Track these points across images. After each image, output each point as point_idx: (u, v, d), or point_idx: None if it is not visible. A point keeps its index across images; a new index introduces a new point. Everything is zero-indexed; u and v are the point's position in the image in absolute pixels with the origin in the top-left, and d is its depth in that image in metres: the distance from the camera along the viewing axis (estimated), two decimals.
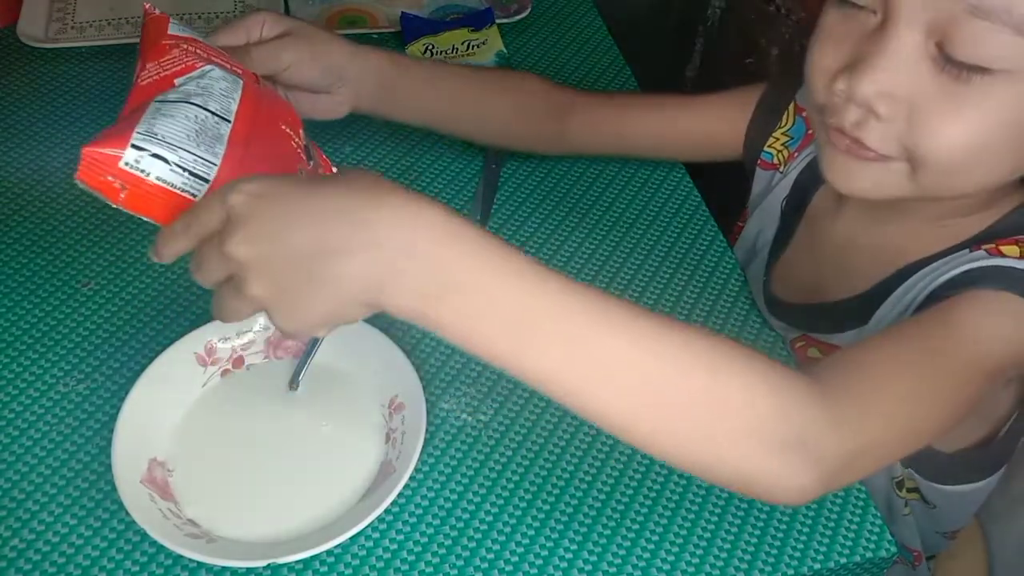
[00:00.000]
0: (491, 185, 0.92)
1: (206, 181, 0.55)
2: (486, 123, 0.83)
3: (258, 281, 0.48)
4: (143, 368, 0.69)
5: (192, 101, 0.57)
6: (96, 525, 0.64)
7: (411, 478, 0.63)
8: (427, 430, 0.66)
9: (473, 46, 1.06)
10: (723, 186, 0.92)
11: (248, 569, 0.62)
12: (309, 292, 0.48)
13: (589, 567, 0.65)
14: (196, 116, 0.56)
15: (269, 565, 0.62)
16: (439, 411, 0.73)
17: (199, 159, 0.54)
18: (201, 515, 0.64)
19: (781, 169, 0.81)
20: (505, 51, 1.07)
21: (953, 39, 0.55)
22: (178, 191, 0.54)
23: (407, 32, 1.07)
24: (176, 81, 0.59)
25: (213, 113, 0.57)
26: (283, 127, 0.63)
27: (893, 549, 0.67)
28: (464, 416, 0.73)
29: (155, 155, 0.53)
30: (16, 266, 0.80)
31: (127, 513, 0.61)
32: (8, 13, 1.04)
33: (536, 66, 1.08)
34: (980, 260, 0.61)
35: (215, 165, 0.55)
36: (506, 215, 0.90)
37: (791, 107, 0.82)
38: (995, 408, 0.73)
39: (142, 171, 0.53)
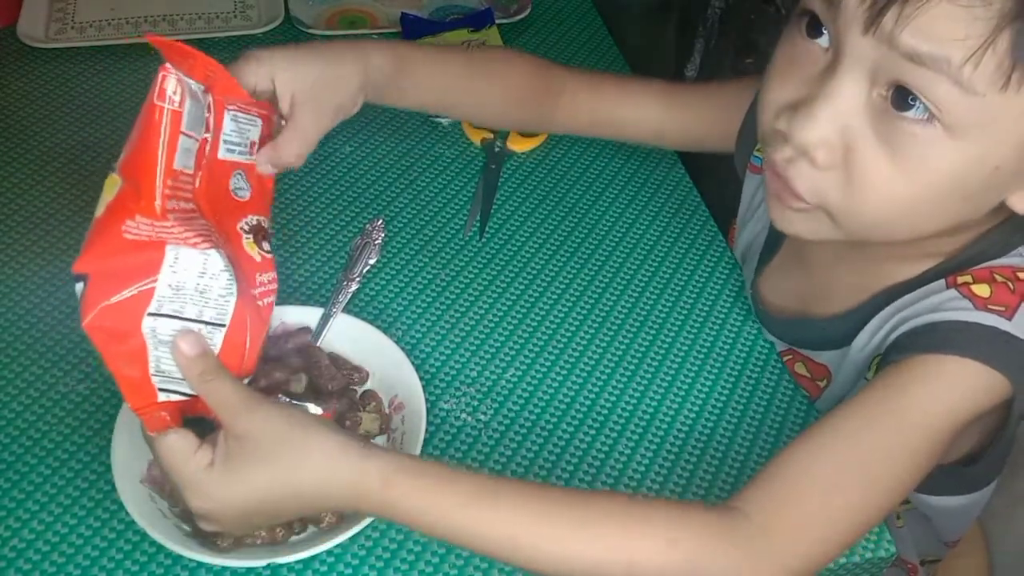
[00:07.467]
0: (491, 185, 0.92)
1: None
2: (481, 109, 0.84)
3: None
4: None
5: (184, 316, 0.57)
6: (96, 525, 0.64)
7: None
8: (427, 430, 0.66)
9: (473, 47, 1.06)
10: (723, 187, 0.92)
11: (248, 569, 0.62)
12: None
13: None
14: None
15: (269, 565, 0.62)
16: (439, 411, 0.73)
17: None
18: None
19: None
20: None
21: (895, 86, 0.54)
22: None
23: (407, 32, 1.07)
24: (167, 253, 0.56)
25: (207, 323, 0.58)
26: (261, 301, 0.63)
27: (892, 549, 0.67)
28: (464, 416, 0.73)
29: (176, 391, 0.59)
30: (16, 266, 0.80)
31: (127, 513, 0.61)
32: (8, 13, 1.04)
33: None
34: (949, 308, 0.61)
35: None
36: (506, 215, 0.90)
37: None
38: (980, 425, 0.72)
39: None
